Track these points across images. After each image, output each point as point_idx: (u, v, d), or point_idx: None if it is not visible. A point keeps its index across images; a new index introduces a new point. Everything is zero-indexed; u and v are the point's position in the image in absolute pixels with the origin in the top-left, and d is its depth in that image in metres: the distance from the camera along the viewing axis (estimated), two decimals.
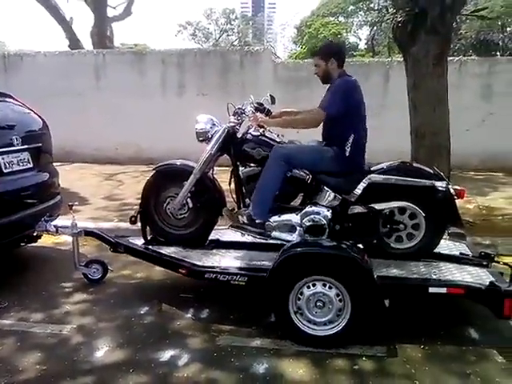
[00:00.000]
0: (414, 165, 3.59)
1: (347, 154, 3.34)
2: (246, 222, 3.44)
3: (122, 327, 3.17)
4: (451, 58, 8.65)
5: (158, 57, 9.61)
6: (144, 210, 3.78)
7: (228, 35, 38.29)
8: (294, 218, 3.40)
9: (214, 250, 3.68)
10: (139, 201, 3.88)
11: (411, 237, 3.44)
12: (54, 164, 4.67)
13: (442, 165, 5.13)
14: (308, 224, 3.35)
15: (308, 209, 3.39)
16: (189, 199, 3.65)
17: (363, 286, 2.84)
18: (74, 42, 13.45)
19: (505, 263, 3.21)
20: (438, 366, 2.76)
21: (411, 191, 3.30)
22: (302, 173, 3.43)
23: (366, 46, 29.99)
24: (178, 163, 3.80)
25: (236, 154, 3.57)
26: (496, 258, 3.36)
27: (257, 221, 3.40)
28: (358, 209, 3.33)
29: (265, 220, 3.40)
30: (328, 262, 2.94)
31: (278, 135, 3.63)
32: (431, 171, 3.43)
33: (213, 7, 37.87)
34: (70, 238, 3.91)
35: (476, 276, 3.11)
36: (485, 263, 3.31)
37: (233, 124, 3.60)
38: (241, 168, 3.58)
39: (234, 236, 3.79)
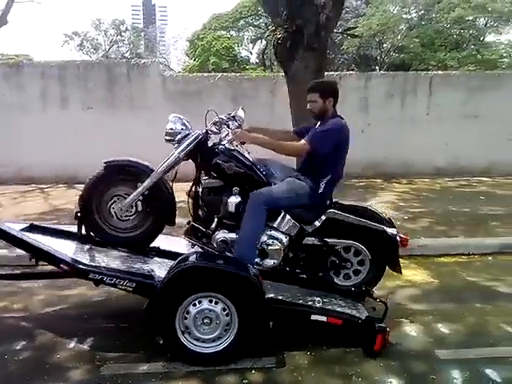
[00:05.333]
0: (370, 208, 3.70)
1: (320, 191, 3.39)
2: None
3: None
4: (331, 73, 9.19)
5: (38, 69, 9.02)
6: (85, 204, 3.44)
7: (118, 46, 37.17)
8: None
9: (110, 250, 3.45)
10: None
11: (355, 275, 3.60)
12: None
13: None
14: (264, 247, 3.33)
15: (267, 232, 3.34)
16: (139, 202, 3.42)
17: (252, 304, 2.87)
18: None
19: (380, 300, 3.38)
20: (323, 370, 2.86)
21: (364, 232, 3.45)
22: None
23: (257, 60, 30.84)
24: (133, 161, 3.51)
25: (203, 162, 3.41)
26: (373, 294, 3.49)
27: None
28: (313, 240, 3.40)
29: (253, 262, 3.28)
30: (219, 278, 2.90)
31: (248, 152, 3.51)
32: (384, 216, 3.60)
33: (101, 18, 36.45)
34: None
35: (354, 309, 3.25)
36: (362, 297, 3.46)
37: (211, 133, 3.46)
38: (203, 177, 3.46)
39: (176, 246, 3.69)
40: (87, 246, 3.46)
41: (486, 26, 23.77)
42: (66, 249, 3.30)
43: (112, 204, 3.45)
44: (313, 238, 3.41)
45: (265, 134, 3.52)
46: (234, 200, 3.32)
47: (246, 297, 2.87)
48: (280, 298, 3.17)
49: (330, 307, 3.20)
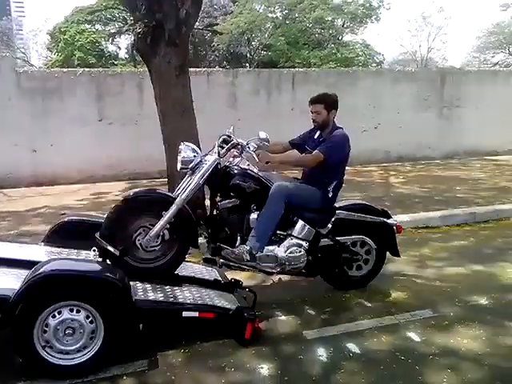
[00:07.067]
0: (367, 203, 4.08)
1: (330, 196, 3.70)
2: (248, 258, 3.45)
3: None
4: (199, 69, 9.21)
5: None
6: (110, 241, 3.24)
7: None
8: (276, 249, 3.56)
9: None
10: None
11: (364, 265, 3.98)
12: None
13: None
14: (290, 256, 3.55)
15: (290, 241, 3.59)
16: (166, 231, 3.33)
17: (118, 308, 2.77)
18: None
19: (250, 290, 3.53)
20: (197, 366, 2.88)
21: (367, 226, 3.86)
22: None
23: (127, 55, 29.76)
24: (152, 190, 3.61)
25: (219, 185, 3.55)
26: (243, 284, 3.65)
27: (256, 255, 3.47)
28: (326, 241, 3.73)
29: (261, 252, 3.50)
30: (78, 285, 2.74)
31: (258, 169, 3.67)
32: (380, 209, 4.01)
33: None
34: None
35: (225, 301, 3.30)
36: (232, 289, 3.56)
37: (233, 157, 3.62)
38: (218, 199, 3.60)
39: None
40: None
41: (343, 26, 25.71)
42: None
43: (137, 236, 3.34)
44: (326, 239, 3.73)
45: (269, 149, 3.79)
46: (255, 216, 3.52)
47: (110, 301, 2.75)
48: (149, 298, 3.10)
49: (201, 302, 3.21)
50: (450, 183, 7.97)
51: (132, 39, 5.33)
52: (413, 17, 43.11)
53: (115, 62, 26.38)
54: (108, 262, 3.28)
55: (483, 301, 3.71)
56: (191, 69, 6.82)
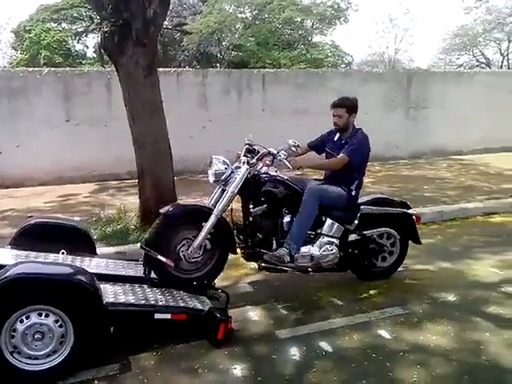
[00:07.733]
0: (387, 197, 4.30)
1: (353, 194, 3.89)
2: (288, 260, 3.66)
3: None
4: (168, 69, 9.12)
5: None
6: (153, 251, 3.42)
7: None
8: (311, 249, 3.77)
9: None
10: None
11: (390, 255, 4.17)
12: None
13: (166, 171, 5.34)
14: (324, 253, 3.75)
15: (322, 240, 3.80)
16: (207, 241, 3.54)
17: (88, 311, 2.72)
18: None
19: (222, 291, 3.53)
20: (170, 368, 2.85)
21: (389, 218, 4.07)
22: None
23: (94, 55, 29.22)
24: (188, 205, 3.73)
25: (252, 192, 3.70)
26: (215, 285, 3.64)
27: (295, 256, 3.68)
28: (355, 236, 3.94)
29: (298, 253, 3.71)
30: (46, 289, 2.67)
31: (285, 174, 3.87)
32: (399, 201, 4.22)
33: None
34: None
35: (197, 302, 3.29)
36: (205, 290, 3.54)
37: (261, 165, 3.77)
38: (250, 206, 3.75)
39: None
40: None
41: (312, 27, 25.91)
42: None
43: (181, 247, 3.53)
44: (354, 235, 3.94)
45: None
46: (288, 219, 3.73)
47: (79, 305, 2.70)
48: (120, 301, 3.06)
49: (173, 304, 3.19)
50: (417, 182, 8.14)
51: (99, 38, 5.23)
52: (380, 18, 43.60)
53: (83, 62, 25.87)
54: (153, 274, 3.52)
55: (451, 297, 3.81)
56: (161, 69, 6.78)
